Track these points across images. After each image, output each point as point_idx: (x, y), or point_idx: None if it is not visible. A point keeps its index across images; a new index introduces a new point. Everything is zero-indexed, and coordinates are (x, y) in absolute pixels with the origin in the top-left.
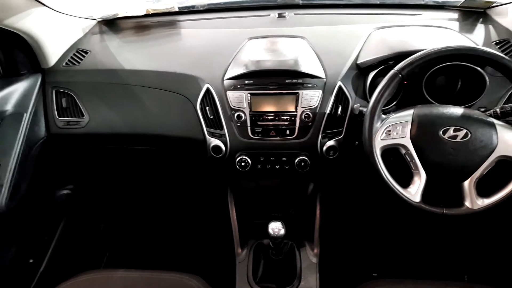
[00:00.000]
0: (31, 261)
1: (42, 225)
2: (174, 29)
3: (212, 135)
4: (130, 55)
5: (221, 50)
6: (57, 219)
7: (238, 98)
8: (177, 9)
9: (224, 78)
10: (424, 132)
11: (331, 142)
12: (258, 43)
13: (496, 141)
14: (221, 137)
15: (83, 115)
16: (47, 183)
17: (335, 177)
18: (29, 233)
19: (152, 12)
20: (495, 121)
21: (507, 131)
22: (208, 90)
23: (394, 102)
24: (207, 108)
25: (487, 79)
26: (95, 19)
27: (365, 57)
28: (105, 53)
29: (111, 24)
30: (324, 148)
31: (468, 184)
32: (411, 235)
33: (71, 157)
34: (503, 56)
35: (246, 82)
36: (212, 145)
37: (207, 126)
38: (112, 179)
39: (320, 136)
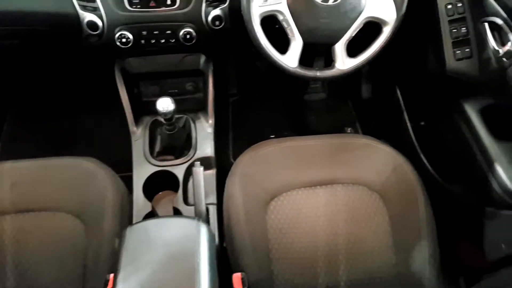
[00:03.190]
0: None
1: None
2: None
3: (85, 8)
4: None
5: None
6: None
7: None
8: None
9: None
10: None
11: (216, 11)
12: None
13: (364, 2)
14: (95, 10)
15: None
16: None
17: (225, 48)
18: None
19: None
20: None
21: None
22: None
23: None
24: None
25: None
26: None
27: None
28: None
29: None
30: (209, 18)
31: (338, 47)
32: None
33: None
34: None
35: None
36: (86, 20)
37: None
38: None
39: (204, 4)
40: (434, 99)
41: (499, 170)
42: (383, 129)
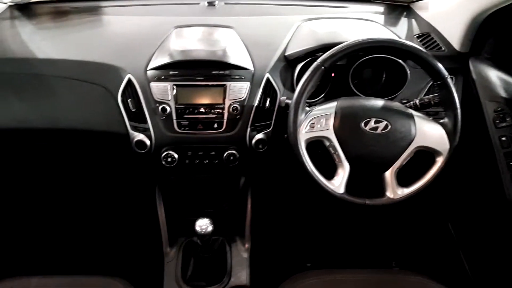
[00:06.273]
0: None
1: None
2: (94, 16)
3: (136, 129)
4: (45, 43)
5: (145, 39)
6: None
7: (163, 90)
8: None
9: (148, 69)
10: (346, 124)
11: (260, 135)
12: (184, 32)
13: (414, 132)
14: (145, 131)
15: None
16: None
17: (266, 170)
18: None
19: None
20: (414, 113)
21: (424, 122)
22: (130, 81)
23: (323, 94)
24: (129, 100)
25: (408, 72)
26: (6, 3)
27: (293, 49)
28: (15, 40)
29: (24, 9)
30: (253, 141)
31: (388, 175)
32: (341, 224)
33: None
34: (421, 49)
35: (171, 73)
36: (135, 139)
37: (129, 120)
38: (27, 179)
39: (248, 129)
40: (494, 236)
41: None
42: (433, 264)
